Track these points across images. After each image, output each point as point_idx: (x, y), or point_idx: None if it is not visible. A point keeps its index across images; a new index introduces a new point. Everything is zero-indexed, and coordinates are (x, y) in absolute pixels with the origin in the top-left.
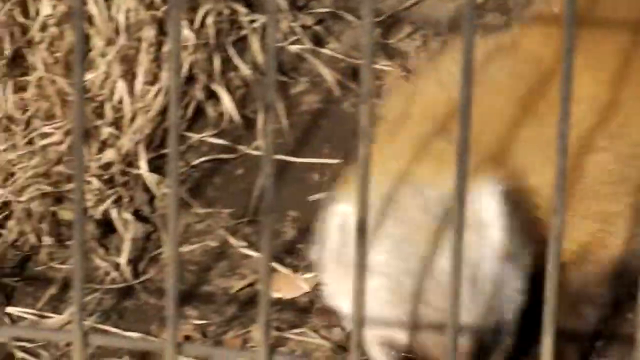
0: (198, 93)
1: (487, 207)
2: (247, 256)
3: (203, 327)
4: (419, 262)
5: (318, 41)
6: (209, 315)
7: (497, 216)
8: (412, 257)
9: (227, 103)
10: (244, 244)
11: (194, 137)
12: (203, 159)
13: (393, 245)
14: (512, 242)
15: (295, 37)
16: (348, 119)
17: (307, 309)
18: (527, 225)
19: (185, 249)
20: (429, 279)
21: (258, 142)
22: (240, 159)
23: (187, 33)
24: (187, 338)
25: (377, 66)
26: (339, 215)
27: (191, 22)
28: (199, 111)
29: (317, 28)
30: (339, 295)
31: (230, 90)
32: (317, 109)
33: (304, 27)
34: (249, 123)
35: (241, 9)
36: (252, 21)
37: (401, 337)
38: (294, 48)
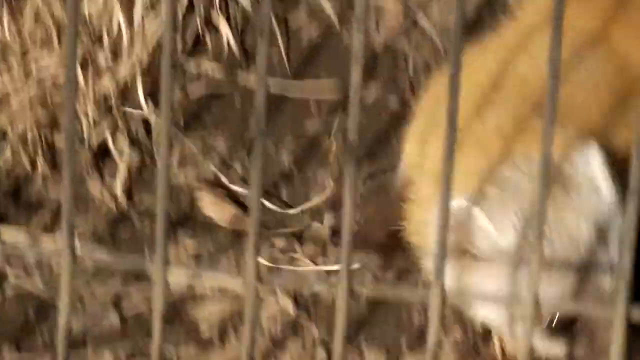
0: (197, 23)
1: (594, 167)
2: (244, 181)
3: (196, 253)
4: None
5: None
6: (202, 243)
7: (606, 174)
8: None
9: (227, 34)
10: (239, 174)
11: (192, 67)
12: (201, 89)
13: (520, 226)
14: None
15: None
16: (343, 49)
17: (300, 238)
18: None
19: (180, 177)
20: (564, 243)
21: (256, 72)
22: (239, 90)
23: None
24: None
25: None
26: (455, 211)
27: None
28: (198, 42)
29: None
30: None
31: (229, 22)
32: (316, 41)
33: None
34: (248, 55)
35: None
36: None
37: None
38: None
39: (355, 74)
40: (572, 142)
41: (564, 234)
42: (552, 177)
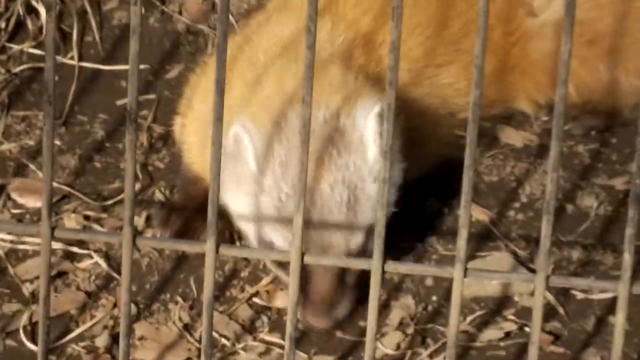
0: (19, 8)
1: (365, 129)
2: (62, 151)
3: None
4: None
5: None
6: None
7: (375, 138)
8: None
9: (46, 18)
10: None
11: (15, 47)
12: (23, 67)
13: (279, 168)
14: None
15: None
16: (152, 32)
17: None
18: (405, 140)
19: (5, 146)
20: (314, 196)
21: (72, 53)
22: (57, 67)
23: None
24: None
25: None
26: (234, 133)
27: None
28: (20, 25)
29: None
30: (227, 193)
31: (48, 7)
32: (126, 24)
33: None
34: (65, 36)
35: None
36: None
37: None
38: None
39: (134, 47)
40: (357, 95)
41: (318, 193)
42: (330, 131)
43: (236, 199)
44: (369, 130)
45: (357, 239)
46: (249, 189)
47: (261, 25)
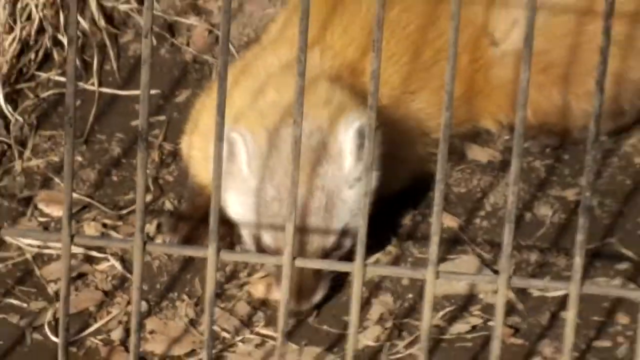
0: (47, 41)
1: (345, 143)
2: (83, 166)
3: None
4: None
5: (142, 1)
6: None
7: (352, 150)
8: (283, 187)
9: (67, 49)
10: (80, 159)
11: (43, 75)
12: (50, 92)
13: (267, 173)
14: (360, 167)
15: None
16: (163, 62)
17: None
18: (385, 156)
19: (34, 162)
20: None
21: (93, 80)
22: (79, 92)
23: None
24: None
25: (187, 21)
26: (229, 140)
27: None
28: (48, 56)
29: None
30: (224, 192)
31: (70, 40)
32: (141, 55)
33: None
34: (86, 65)
35: None
36: None
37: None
38: (124, 7)
39: (144, 75)
40: (342, 111)
41: (300, 197)
42: (314, 143)
43: (230, 198)
44: (347, 144)
45: (332, 238)
46: (241, 190)
47: (257, 55)
